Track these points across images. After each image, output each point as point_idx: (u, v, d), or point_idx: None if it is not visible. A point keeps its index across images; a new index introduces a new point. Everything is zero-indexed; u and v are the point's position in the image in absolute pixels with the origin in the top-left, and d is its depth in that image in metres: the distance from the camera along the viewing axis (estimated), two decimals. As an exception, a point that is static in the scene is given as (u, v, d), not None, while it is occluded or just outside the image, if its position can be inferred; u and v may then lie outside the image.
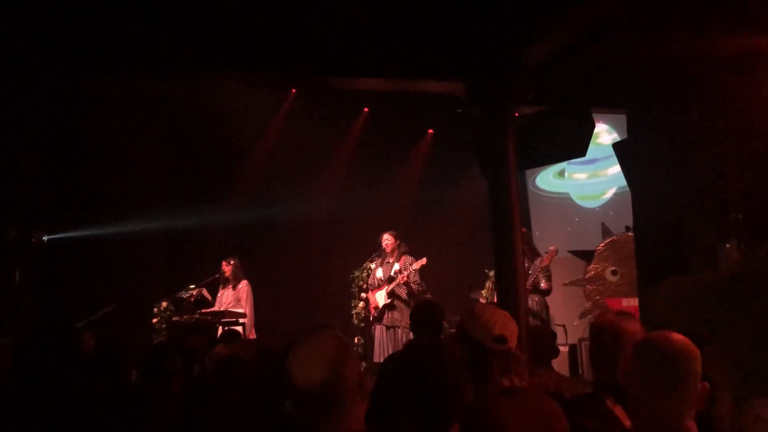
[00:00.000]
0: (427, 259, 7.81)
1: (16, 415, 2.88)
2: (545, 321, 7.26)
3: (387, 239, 8.00)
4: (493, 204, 4.80)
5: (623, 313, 2.68)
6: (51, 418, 2.93)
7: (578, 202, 10.01)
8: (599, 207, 9.64)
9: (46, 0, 4.80)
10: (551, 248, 7.58)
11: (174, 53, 5.04)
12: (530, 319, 5.96)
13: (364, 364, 8.01)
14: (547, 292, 7.42)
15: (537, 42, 4.48)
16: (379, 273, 8.05)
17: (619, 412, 2.44)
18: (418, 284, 7.78)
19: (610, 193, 9.49)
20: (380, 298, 7.89)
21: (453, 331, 7.81)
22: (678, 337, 2.10)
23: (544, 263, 7.37)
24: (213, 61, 5.16)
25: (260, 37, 5.03)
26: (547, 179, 10.34)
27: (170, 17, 4.92)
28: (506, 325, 2.53)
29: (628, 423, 2.41)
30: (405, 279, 7.66)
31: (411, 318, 4.36)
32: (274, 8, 4.74)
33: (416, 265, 7.74)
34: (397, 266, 7.86)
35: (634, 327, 2.54)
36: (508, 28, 4.60)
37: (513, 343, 2.51)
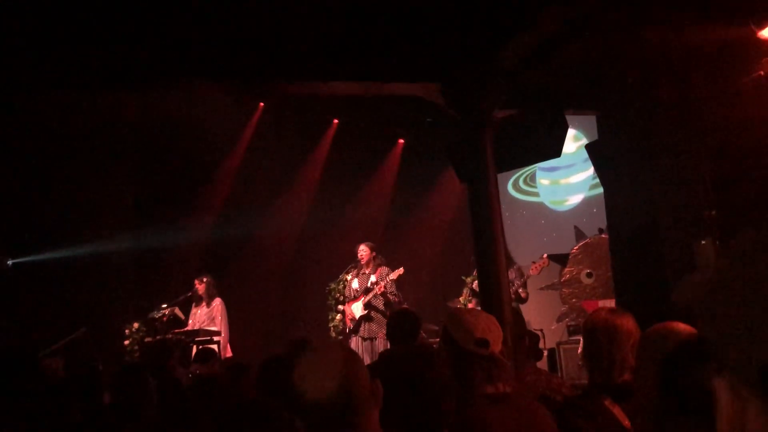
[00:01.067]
0: (403, 268, 7.71)
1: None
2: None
3: (363, 250, 7.90)
4: (474, 208, 4.73)
5: (616, 310, 2.59)
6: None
7: (550, 206, 10.02)
8: (570, 210, 9.65)
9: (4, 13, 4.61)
10: (542, 258, 7.53)
11: (137, 62, 4.89)
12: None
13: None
14: (524, 300, 7.42)
15: (510, 43, 4.44)
16: (355, 284, 7.94)
17: (617, 411, 2.35)
18: (394, 294, 7.69)
19: (578, 198, 9.51)
20: (357, 309, 7.77)
21: (430, 340, 7.73)
22: (683, 327, 2.01)
23: (532, 273, 7.35)
24: (176, 69, 5.02)
25: (224, 42, 4.91)
26: (518, 185, 10.34)
27: (132, 27, 4.76)
28: (489, 328, 2.42)
29: (627, 422, 2.32)
30: (382, 289, 7.56)
31: (387, 327, 4.26)
32: (240, 10, 4.61)
33: (393, 275, 7.65)
34: (373, 278, 7.76)
35: (629, 323, 2.45)
36: (481, 30, 4.54)
37: (497, 347, 2.40)
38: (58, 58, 4.68)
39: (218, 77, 5.03)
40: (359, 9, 4.41)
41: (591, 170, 7.93)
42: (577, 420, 2.36)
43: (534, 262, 7.54)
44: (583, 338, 2.61)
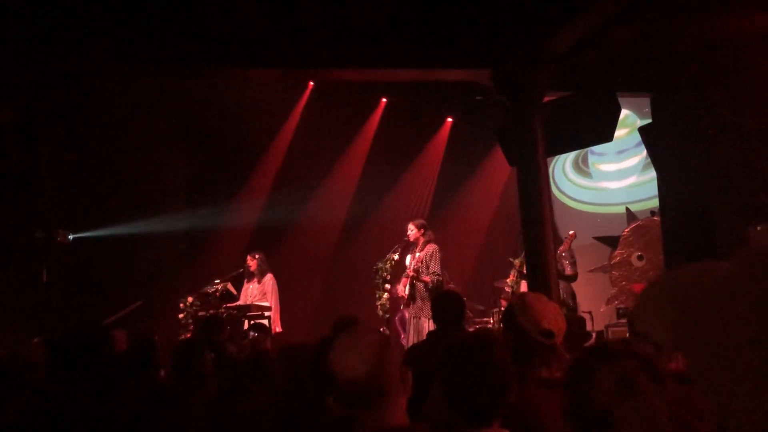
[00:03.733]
0: (436, 246, 7.65)
1: (50, 414, 2.87)
2: (572, 308, 7.17)
3: (411, 229, 7.90)
4: (523, 193, 4.74)
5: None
6: (84, 417, 2.92)
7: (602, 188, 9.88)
8: (623, 192, 9.50)
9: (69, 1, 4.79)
10: (570, 233, 7.50)
11: (194, 50, 5.01)
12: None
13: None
14: (572, 277, 7.31)
15: (562, 28, 4.39)
16: (408, 262, 7.98)
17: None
18: (436, 274, 7.60)
19: (631, 180, 9.36)
20: (404, 288, 7.84)
21: (476, 320, 7.73)
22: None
23: (564, 247, 7.28)
24: (233, 57, 5.13)
25: (279, 30, 4.99)
26: (575, 165, 10.20)
27: (190, 16, 4.88)
28: (556, 320, 2.49)
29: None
30: (411, 274, 7.56)
31: (432, 310, 4.32)
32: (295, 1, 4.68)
33: (429, 252, 7.61)
34: (418, 255, 7.79)
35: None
36: (533, 15, 4.51)
37: (559, 339, 2.47)
38: (119, 45, 4.84)
39: (272, 64, 5.12)
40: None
41: (644, 153, 7.79)
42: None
43: (564, 237, 7.48)
44: (629, 325, 2.63)
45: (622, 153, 9.34)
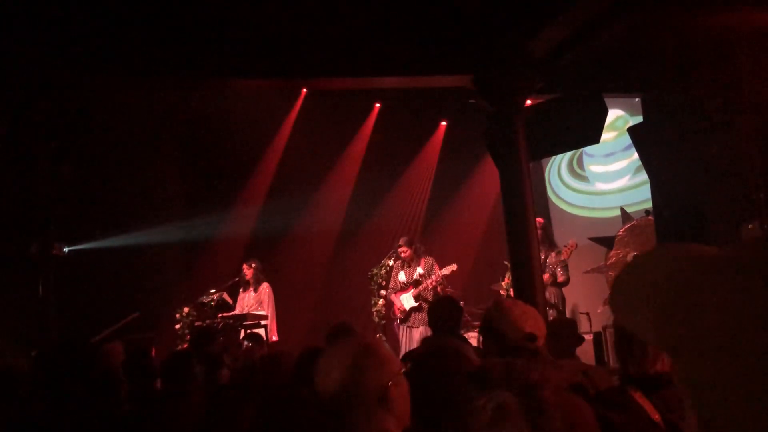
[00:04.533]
0: (456, 265, 7.74)
1: (35, 424, 2.87)
2: (562, 312, 7.20)
3: (402, 249, 7.91)
4: (506, 196, 4.73)
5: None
6: (70, 425, 2.91)
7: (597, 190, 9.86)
8: (617, 193, 9.49)
9: (62, 11, 4.80)
10: (570, 242, 7.51)
11: (186, 61, 5.03)
12: (548, 310, 5.89)
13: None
14: (563, 284, 7.36)
15: (544, 29, 4.39)
16: (402, 277, 7.97)
17: (647, 405, 2.36)
18: (444, 286, 7.75)
19: (624, 181, 9.34)
20: (406, 300, 7.82)
21: (474, 323, 7.73)
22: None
23: (563, 257, 7.30)
24: (224, 68, 5.14)
25: (269, 40, 5.00)
26: (570, 168, 10.19)
27: (183, 27, 4.90)
28: (537, 323, 2.48)
29: (656, 416, 2.34)
30: (434, 284, 7.63)
31: (429, 315, 4.30)
32: (282, 12, 4.69)
33: (446, 271, 7.71)
34: (420, 269, 7.80)
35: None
36: (513, 19, 4.51)
37: (542, 341, 2.46)
38: (114, 56, 4.85)
39: (262, 74, 5.13)
40: (391, 5, 4.43)
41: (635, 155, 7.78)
42: (607, 412, 2.38)
43: (564, 246, 7.50)
44: (614, 329, 2.62)
45: (610, 156, 9.34)
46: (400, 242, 7.96)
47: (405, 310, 7.74)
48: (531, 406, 1.35)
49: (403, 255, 7.91)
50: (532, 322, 2.51)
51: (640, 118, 7.15)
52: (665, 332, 0.78)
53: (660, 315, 0.79)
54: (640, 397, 2.36)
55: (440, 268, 7.73)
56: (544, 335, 2.58)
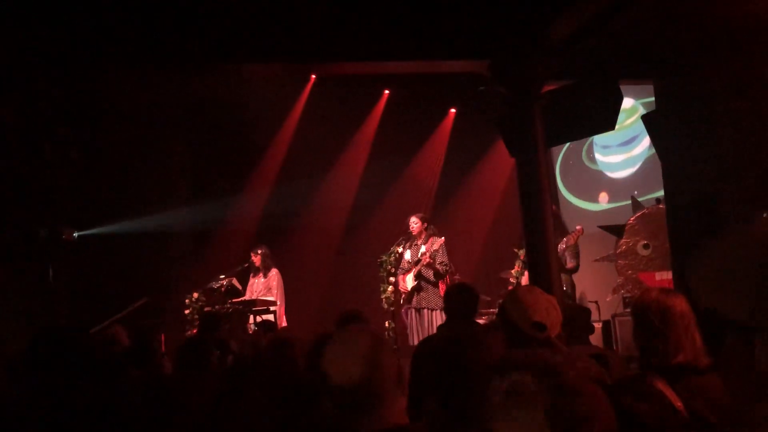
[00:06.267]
0: (444, 238, 7.73)
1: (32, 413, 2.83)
2: (571, 298, 7.19)
3: (414, 222, 7.92)
4: (523, 185, 4.68)
5: (668, 290, 2.56)
6: (73, 414, 2.88)
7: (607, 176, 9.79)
8: (628, 179, 9.41)
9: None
10: (577, 227, 7.54)
11: (195, 46, 4.98)
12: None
13: (396, 347, 7.98)
14: (573, 270, 7.37)
15: (561, 16, 4.31)
16: (408, 256, 7.98)
17: (669, 392, 2.33)
18: (444, 264, 7.70)
19: (635, 168, 9.26)
20: (409, 281, 7.83)
21: (482, 311, 7.71)
22: None
23: (570, 242, 7.29)
24: (233, 53, 5.09)
25: (279, 24, 4.95)
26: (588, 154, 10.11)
27: (190, 11, 4.85)
28: (548, 312, 2.44)
29: (679, 404, 2.30)
30: (427, 260, 7.58)
31: (445, 302, 4.28)
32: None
33: (435, 245, 7.66)
34: (423, 249, 7.79)
35: (682, 304, 2.42)
36: (529, 3, 4.44)
37: (554, 331, 2.42)
38: (121, 42, 4.81)
39: (272, 58, 5.07)
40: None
41: (648, 142, 7.71)
42: (629, 400, 2.35)
43: (570, 233, 7.54)
44: (634, 319, 2.57)
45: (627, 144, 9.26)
46: (413, 217, 7.93)
47: (407, 290, 7.77)
48: (552, 388, 1.34)
49: (411, 228, 7.90)
50: (542, 311, 2.47)
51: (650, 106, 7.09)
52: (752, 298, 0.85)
53: (759, 289, 0.84)
54: (662, 385, 2.33)
55: (446, 252, 7.69)
56: (558, 325, 2.53)
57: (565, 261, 7.26)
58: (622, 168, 9.47)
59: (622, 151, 9.40)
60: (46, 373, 2.56)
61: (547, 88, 5.14)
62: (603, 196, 9.70)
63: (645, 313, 2.46)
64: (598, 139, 9.53)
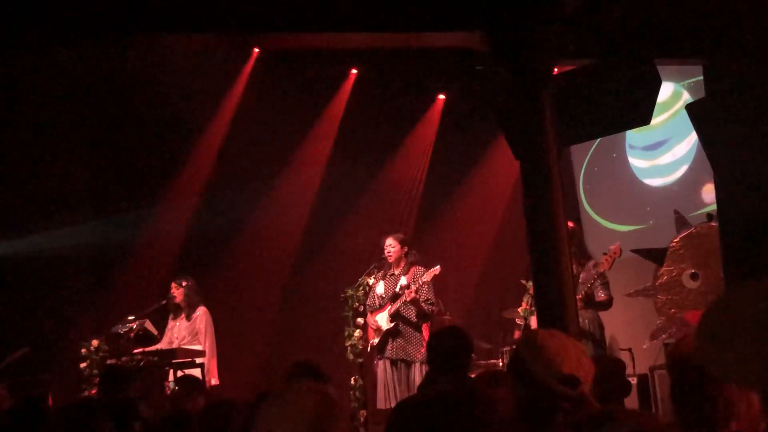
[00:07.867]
0: (440, 267, 7.74)
1: None
2: (599, 342, 7.20)
3: (390, 245, 7.91)
4: (528, 193, 4.74)
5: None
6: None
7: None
8: (670, 188, 9.56)
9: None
10: (612, 247, 7.42)
11: (104, 11, 4.99)
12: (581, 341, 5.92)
13: (364, 412, 7.96)
14: (604, 304, 7.33)
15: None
16: (380, 289, 7.99)
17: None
18: (430, 303, 7.71)
19: (680, 172, 9.41)
20: (382, 320, 7.83)
21: (480, 362, 7.75)
22: None
23: (602, 268, 7.27)
24: (154, 20, 5.10)
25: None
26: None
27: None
28: (580, 362, 2.47)
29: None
30: (412, 295, 7.59)
31: (429, 350, 4.31)
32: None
33: (427, 276, 7.68)
34: (404, 280, 7.79)
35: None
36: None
37: (587, 387, 2.45)
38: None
39: (199, 27, 5.08)
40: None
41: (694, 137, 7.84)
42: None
43: (604, 254, 7.45)
44: (671, 375, 2.62)
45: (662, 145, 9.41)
46: (389, 239, 7.92)
47: (381, 330, 7.73)
48: None
49: (387, 252, 7.88)
50: (572, 360, 2.51)
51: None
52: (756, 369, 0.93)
53: (749, 352, 0.92)
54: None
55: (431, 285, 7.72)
56: (591, 378, 2.58)
57: (595, 292, 7.26)
58: (658, 175, 9.62)
59: (654, 156, 9.56)
60: None
61: (561, 68, 5.21)
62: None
63: (682, 365, 2.51)
64: (632, 137, 9.63)
